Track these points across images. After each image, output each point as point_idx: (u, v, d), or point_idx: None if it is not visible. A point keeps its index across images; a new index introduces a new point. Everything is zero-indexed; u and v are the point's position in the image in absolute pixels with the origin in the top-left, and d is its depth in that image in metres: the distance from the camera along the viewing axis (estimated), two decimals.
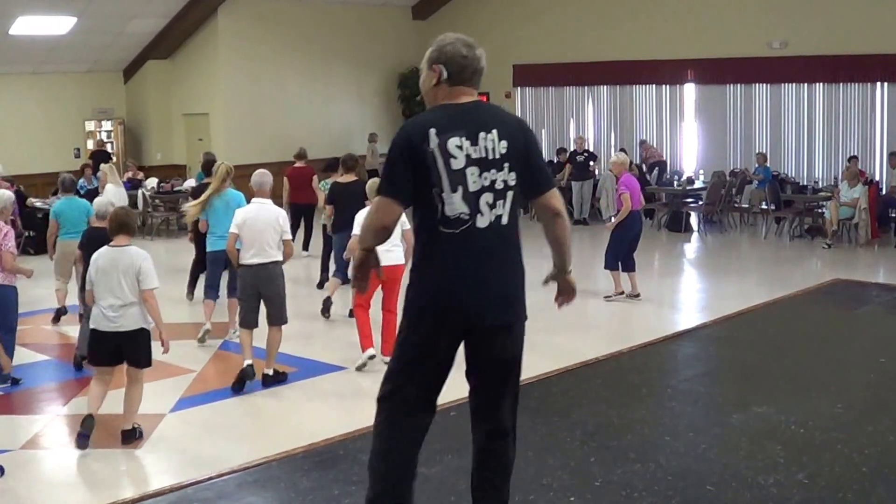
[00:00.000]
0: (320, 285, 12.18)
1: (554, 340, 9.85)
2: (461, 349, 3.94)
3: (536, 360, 8.16)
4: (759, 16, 17.97)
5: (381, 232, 3.86)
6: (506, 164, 3.79)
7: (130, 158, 19.78)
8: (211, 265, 10.00)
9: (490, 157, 3.77)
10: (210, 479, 5.26)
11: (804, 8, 17.48)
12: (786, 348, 7.74)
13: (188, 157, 20.61)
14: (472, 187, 3.75)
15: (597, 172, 18.88)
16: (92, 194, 14.47)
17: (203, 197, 9.74)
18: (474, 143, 3.76)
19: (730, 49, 18.31)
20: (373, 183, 9.27)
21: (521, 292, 3.93)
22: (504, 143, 3.79)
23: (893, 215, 16.17)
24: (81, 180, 16.49)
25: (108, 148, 20.27)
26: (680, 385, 6.91)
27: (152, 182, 17.92)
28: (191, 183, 17.29)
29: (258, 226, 8.15)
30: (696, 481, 4.94)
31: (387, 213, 3.79)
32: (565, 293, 4.17)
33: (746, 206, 17.86)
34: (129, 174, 17.83)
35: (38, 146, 18.76)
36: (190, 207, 10.00)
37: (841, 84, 17.52)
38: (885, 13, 16.53)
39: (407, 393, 3.91)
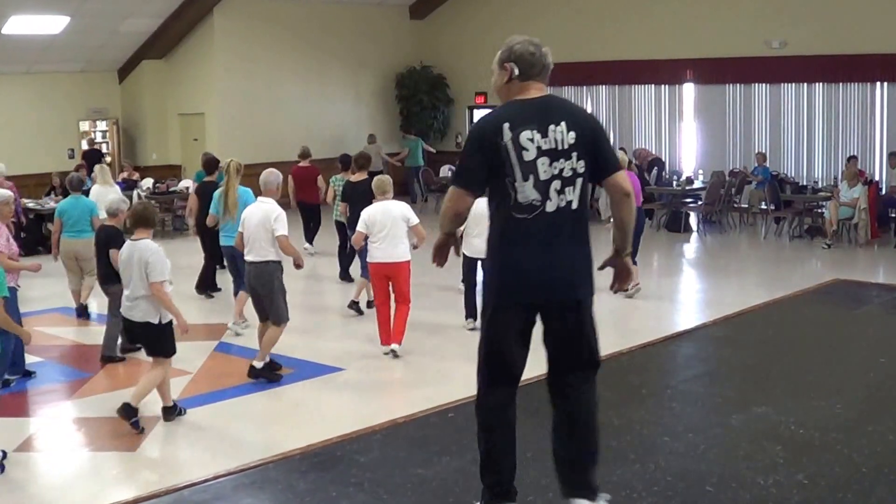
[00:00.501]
0: (342, 277, 12.67)
1: None
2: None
3: (533, 362, 8.16)
4: (759, 15, 17.94)
5: (455, 219, 4.24)
6: (574, 154, 4.09)
7: (126, 159, 19.73)
8: (228, 260, 10.29)
9: (559, 147, 4.08)
10: (206, 480, 5.23)
11: (803, 7, 17.45)
12: (785, 349, 7.72)
13: (183, 158, 20.55)
14: (543, 176, 4.06)
15: None
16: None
17: (231, 199, 9.98)
18: (544, 135, 4.07)
19: (729, 49, 18.28)
20: (378, 180, 9.37)
21: (589, 270, 4.25)
22: (572, 134, 4.09)
23: (893, 215, 16.14)
24: None
25: (103, 148, 20.21)
26: (679, 385, 6.89)
27: (148, 182, 17.88)
28: (186, 183, 17.29)
29: (252, 225, 8.36)
30: (695, 482, 4.92)
31: (459, 203, 4.15)
32: (622, 277, 4.46)
33: (746, 206, 17.83)
34: (125, 174, 17.78)
35: (31, 147, 18.59)
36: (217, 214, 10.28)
37: (840, 84, 17.49)
38: (884, 13, 16.50)
39: (496, 375, 4.28)
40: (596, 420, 4.37)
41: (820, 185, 17.02)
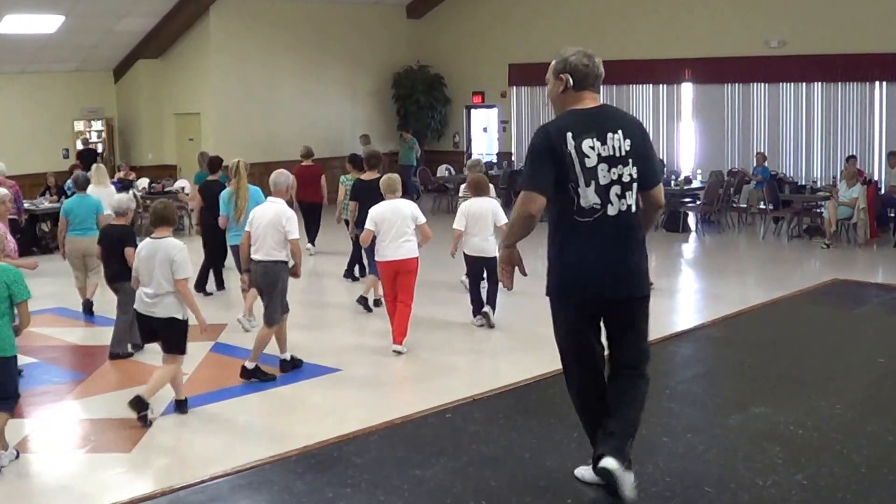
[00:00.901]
0: (347, 276, 12.79)
1: (551, 341, 9.79)
2: None
3: (533, 361, 8.13)
4: (757, 15, 17.93)
5: (529, 220, 4.37)
6: (630, 160, 4.39)
7: (122, 159, 19.65)
8: (235, 258, 10.31)
9: (617, 154, 4.36)
10: (202, 482, 5.19)
11: (802, 7, 17.44)
12: (784, 349, 7.68)
13: (179, 158, 20.50)
14: (603, 181, 4.34)
15: None
16: None
17: (243, 199, 10.14)
18: (604, 143, 4.35)
19: (727, 48, 18.27)
20: (388, 179, 9.43)
21: (646, 267, 4.60)
22: (628, 142, 4.39)
23: (892, 215, 16.12)
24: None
25: (98, 148, 20.13)
26: (678, 386, 6.84)
27: (143, 183, 17.83)
28: (182, 183, 17.27)
29: (262, 224, 8.41)
30: (694, 483, 4.88)
31: (533, 204, 4.33)
32: None
33: (744, 205, 17.80)
34: (121, 174, 17.73)
35: (25, 147, 18.47)
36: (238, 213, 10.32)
37: (839, 83, 17.48)
38: (883, 12, 16.49)
39: (580, 372, 4.59)
40: (642, 407, 4.65)
41: (819, 185, 17.01)
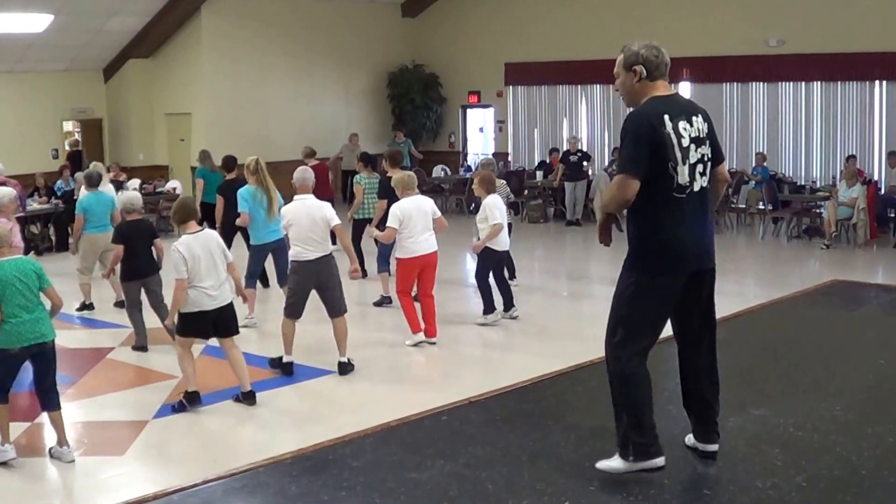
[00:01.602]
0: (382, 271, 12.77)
1: (549, 342, 9.77)
2: None
3: (532, 362, 8.10)
4: (756, 13, 17.87)
5: (624, 204, 4.71)
6: (707, 141, 4.80)
7: (113, 160, 19.55)
8: (259, 255, 10.40)
9: (700, 136, 4.76)
10: (195, 485, 5.16)
11: (801, 5, 17.39)
12: (783, 350, 7.66)
13: (170, 158, 20.41)
14: (692, 160, 4.71)
15: (590, 173, 18.73)
16: (69, 196, 14.45)
17: (274, 198, 10.03)
18: (691, 125, 4.72)
19: (726, 47, 18.21)
20: (402, 176, 9.55)
21: None
22: (706, 125, 4.81)
23: (892, 215, 16.06)
24: (59, 182, 16.39)
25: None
26: (676, 388, 6.74)
27: (134, 183, 17.74)
28: (173, 184, 17.18)
29: (304, 223, 8.38)
30: (692, 485, 4.87)
31: (628, 191, 4.62)
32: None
33: (743, 206, 17.73)
34: (112, 175, 17.63)
35: (14, 147, 18.17)
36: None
37: (839, 82, 17.42)
38: (883, 11, 16.45)
39: (646, 342, 4.81)
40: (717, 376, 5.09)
41: (818, 185, 16.95)
